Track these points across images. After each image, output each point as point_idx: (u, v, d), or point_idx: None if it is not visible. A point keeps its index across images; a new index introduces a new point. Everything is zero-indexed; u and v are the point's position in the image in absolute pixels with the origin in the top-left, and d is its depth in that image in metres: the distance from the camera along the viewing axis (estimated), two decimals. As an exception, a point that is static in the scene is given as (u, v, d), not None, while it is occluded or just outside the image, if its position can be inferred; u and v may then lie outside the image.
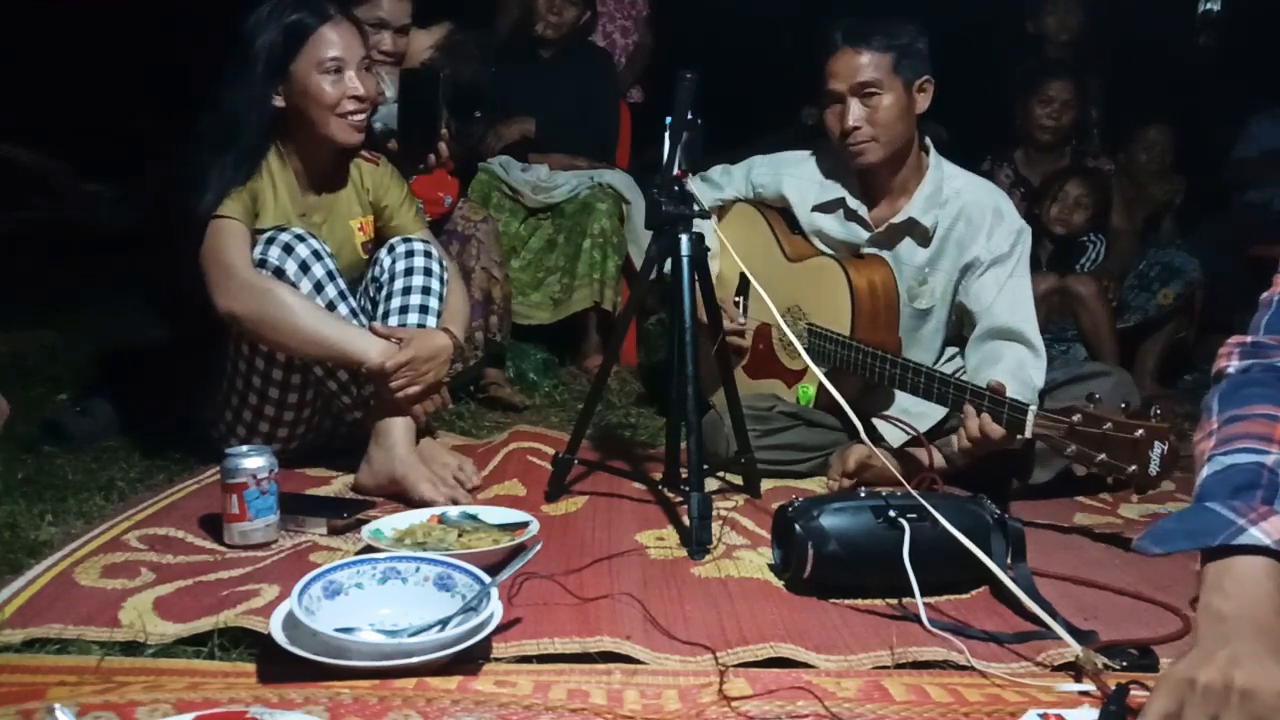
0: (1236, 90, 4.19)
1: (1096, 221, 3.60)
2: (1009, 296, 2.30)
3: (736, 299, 2.55)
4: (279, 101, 2.14)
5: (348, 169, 2.30)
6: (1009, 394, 1.98)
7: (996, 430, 1.97)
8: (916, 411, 2.29)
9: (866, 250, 2.41)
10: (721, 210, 2.62)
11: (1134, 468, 1.77)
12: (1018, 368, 2.21)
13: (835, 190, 2.43)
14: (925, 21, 2.35)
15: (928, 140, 2.41)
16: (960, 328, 2.41)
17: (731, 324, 2.45)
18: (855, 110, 2.28)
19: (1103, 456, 1.80)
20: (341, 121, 2.15)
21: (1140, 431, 1.76)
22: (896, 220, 2.36)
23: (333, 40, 2.13)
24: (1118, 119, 4.22)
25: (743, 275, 2.53)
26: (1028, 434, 1.92)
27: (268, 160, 2.17)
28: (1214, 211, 3.97)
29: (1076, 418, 1.83)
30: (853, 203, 2.41)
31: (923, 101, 2.34)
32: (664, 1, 4.16)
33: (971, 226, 2.33)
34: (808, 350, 2.16)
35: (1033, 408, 1.92)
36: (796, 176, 2.50)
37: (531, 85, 3.47)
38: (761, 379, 2.52)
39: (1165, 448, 1.76)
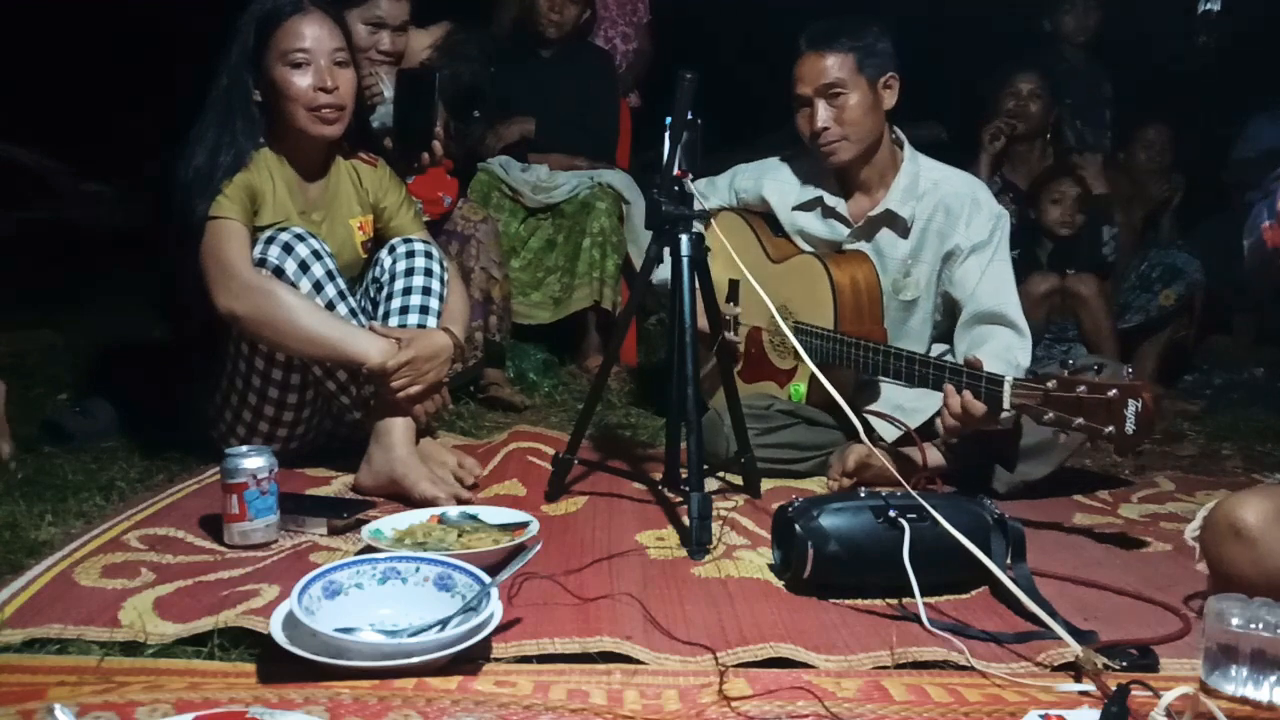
0: (1236, 90, 4.19)
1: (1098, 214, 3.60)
2: (991, 281, 2.34)
3: (726, 305, 2.56)
4: (257, 96, 2.15)
5: (342, 165, 2.30)
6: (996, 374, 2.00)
7: (978, 406, 1.99)
8: (910, 408, 2.31)
9: (848, 246, 2.45)
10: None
11: (1111, 428, 1.77)
12: (1004, 349, 2.25)
13: (813, 190, 2.49)
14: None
15: (901, 135, 2.46)
16: (951, 322, 2.44)
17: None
18: (823, 111, 2.34)
19: (1080, 420, 1.81)
20: (310, 115, 2.15)
21: (1113, 391, 1.77)
22: (874, 213, 2.42)
23: (299, 32, 2.12)
24: (1118, 119, 4.22)
25: (731, 282, 2.56)
26: (1006, 405, 1.93)
27: (266, 158, 2.18)
28: (1214, 212, 3.97)
29: (1051, 384, 1.84)
30: (831, 200, 2.46)
31: (889, 98, 2.39)
32: (664, 4, 4.16)
33: (950, 216, 2.38)
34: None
35: (1009, 378, 1.93)
36: (776, 179, 2.56)
37: (531, 84, 3.47)
38: (755, 382, 2.53)
39: (1139, 405, 1.75)
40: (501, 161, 3.44)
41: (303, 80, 2.13)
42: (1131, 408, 1.76)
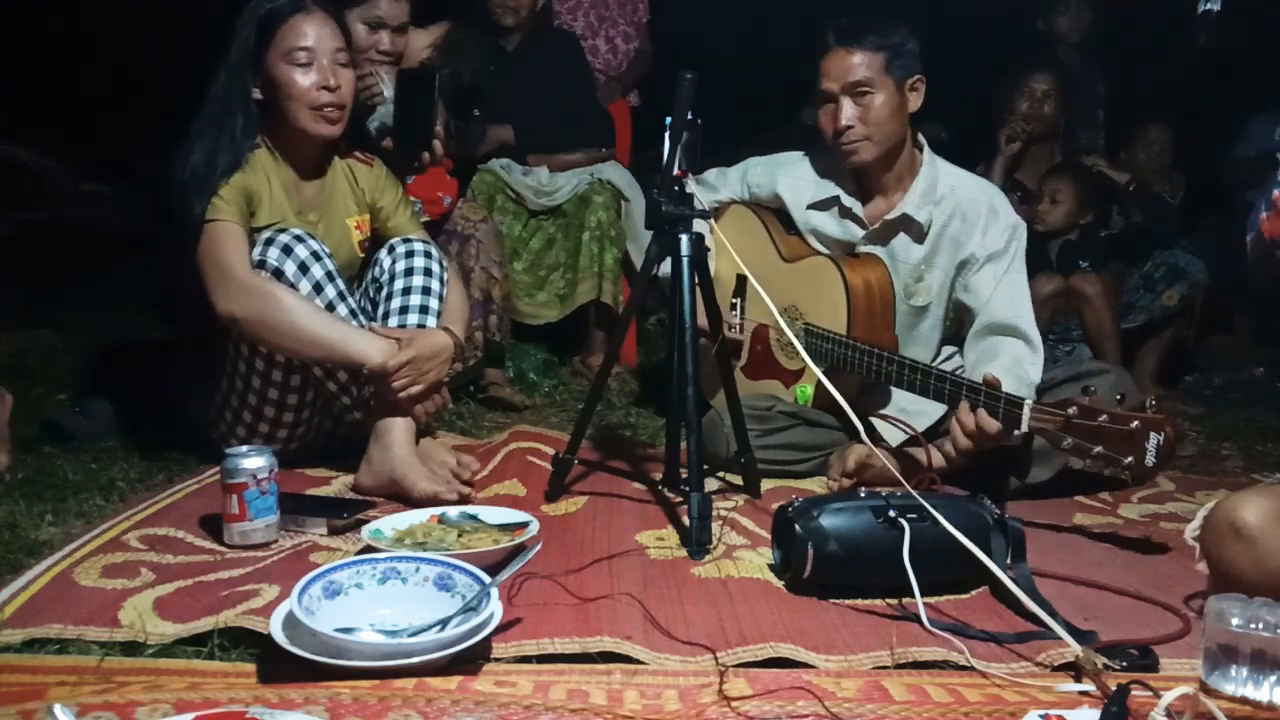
0: (1236, 90, 4.19)
1: (1082, 215, 3.60)
2: (1006, 292, 2.32)
3: (733, 300, 2.55)
4: (257, 94, 2.15)
5: (338, 165, 2.30)
6: (1006, 389, 1.99)
7: (993, 425, 1.98)
8: (915, 410, 2.30)
9: (862, 249, 2.42)
10: (717, 212, 2.63)
11: (1130, 459, 1.77)
12: (1014, 363, 2.23)
13: (830, 188, 2.45)
14: (930, 24, 2.36)
15: (921, 138, 2.43)
16: (959, 327, 2.42)
17: (726, 330, 2.45)
18: (848, 109, 2.31)
19: (1099, 449, 1.80)
20: (314, 113, 2.15)
21: (1136, 423, 1.76)
22: (891, 216, 2.38)
23: (303, 31, 2.13)
24: (1118, 119, 4.22)
25: (739, 277, 2.54)
26: (1024, 428, 1.92)
27: (262, 158, 2.17)
28: (1214, 212, 3.98)
29: (1072, 410, 1.83)
30: (847, 200, 2.43)
31: (915, 100, 2.36)
32: (663, 4, 4.16)
33: (966, 223, 2.35)
34: (806, 350, 2.17)
35: (1029, 401, 1.92)
36: (792, 175, 2.52)
37: (504, 84, 3.35)
38: (760, 380, 2.52)
39: (1161, 438, 1.75)
40: (503, 164, 3.42)
41: (306, 79, 2.13)
42: (1153, 440, 1.75)
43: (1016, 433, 1.96)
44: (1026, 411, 1.91)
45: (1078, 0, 4.08)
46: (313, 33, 2.13)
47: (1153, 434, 1.75)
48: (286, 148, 2.21)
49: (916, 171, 2.39)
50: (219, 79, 2.15)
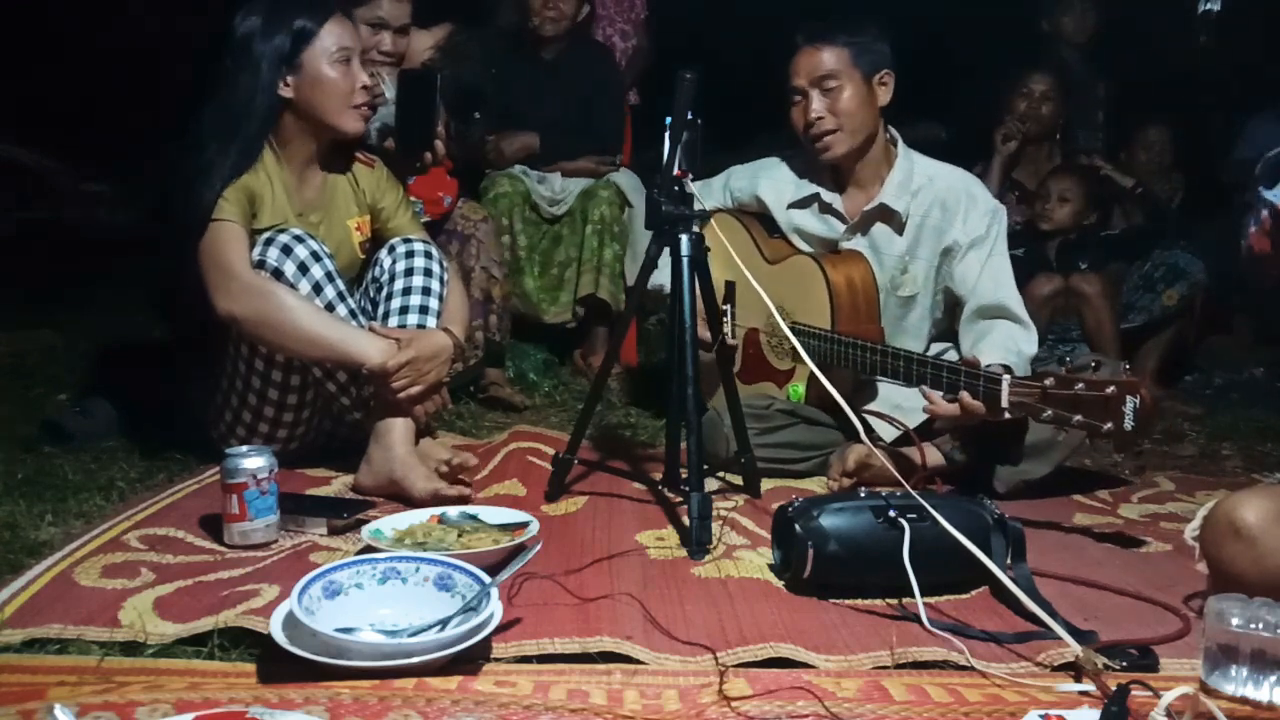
0: (1236, 90, 4.19)
1: (1087, 215, 3.61)
2: (991, 275, 2.37)
3: (723, 307, 2.56)
4: (286, 91, 2.16)
5: (342, 167, 2.31)
6: (1002, 364, 2.00)
7: (977, 405, 1.99)
8: (908, 407, 2.32)
9: (844, 246, 2.46)
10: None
11: (1110, 425, 1.78)
12: (1006, 340, 2.27)
13: (809, 187, 2.50)
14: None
15: (895, 134, 2.47)
16: (951, 320, 2.45)
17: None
18: (816, 102, 2.36)
19: (1078, 417, 1.81)
20: (353, 112, 2.20)
21: (1111, 388, 1.77)
22: (868, 207, 2.43)
23: (341, 32, 2.19)
24: (1118, 119, 4.22)
25: (728, 283, 2.56)
26: (1004, 403, 1.92)
27: (265, 160, 2.18)
28: (1214, 212, 3.98)
29: (1049, 381, 1.85)
30: (827, 196, 2.47)
31: (884, 94, 2.40)
32: (662, 3, 4.16)
33: (946, 212, 2.39)
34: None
35: (1006, 376, 1.93)
36: (773, 178, 2.57)
37: (535, 90, 3.41)
38: (753, 383, 2.53)
39: (1138, 401, 1.76)
40: (520, 170, 3.41)
41: (347, 79, 2.17)
42: (1130, 404, 1.76)
43: (1004, 407, 1.96)
44: (1005, 387, 1.92)
45: (1081, 1, 4.08)
46: (348, 34, 2.20)
47: (1129, 397, 1.76)
48: (300, 149, 2.22)
49: (892, 164, 2.44)
50: (239, 79, 2.14)
